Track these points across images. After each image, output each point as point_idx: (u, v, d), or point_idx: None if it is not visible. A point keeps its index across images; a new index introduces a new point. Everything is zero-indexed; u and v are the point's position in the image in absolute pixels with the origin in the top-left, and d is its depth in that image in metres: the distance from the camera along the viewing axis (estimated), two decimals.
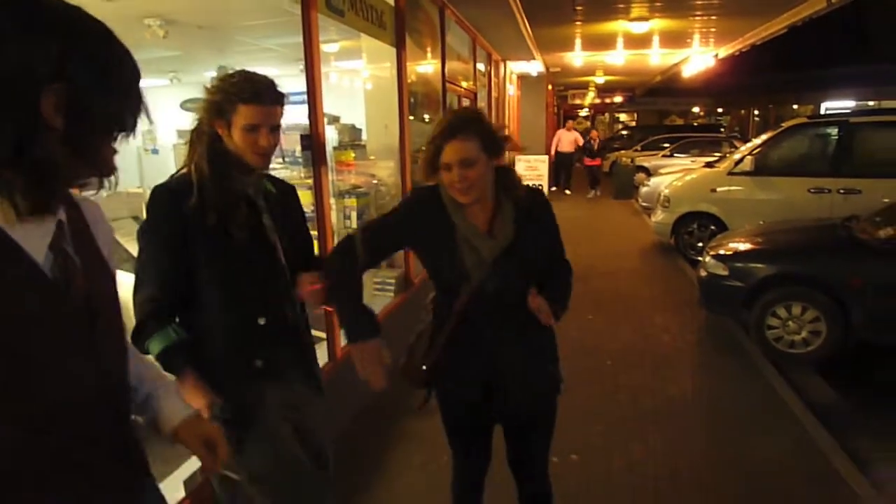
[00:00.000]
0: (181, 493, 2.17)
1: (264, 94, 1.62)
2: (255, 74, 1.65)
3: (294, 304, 1.80)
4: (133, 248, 3.37)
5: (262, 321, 1.69)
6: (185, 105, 8.50)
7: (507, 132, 1.74)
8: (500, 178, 1.73)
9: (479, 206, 1.70)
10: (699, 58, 11.78)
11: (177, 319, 1.65)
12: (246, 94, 1.59)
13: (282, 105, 1.68)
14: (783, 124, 7.55)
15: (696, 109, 32.18)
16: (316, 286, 1.71)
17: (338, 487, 2.50)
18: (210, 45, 5.99)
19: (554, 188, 13.60)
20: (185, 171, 1.68)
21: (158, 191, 1.66)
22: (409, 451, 3.15)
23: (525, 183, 1.80)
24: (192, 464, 2.24)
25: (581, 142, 13.94)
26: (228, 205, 1.63)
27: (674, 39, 10.22)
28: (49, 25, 0.82)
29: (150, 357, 1.55)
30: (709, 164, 8.37)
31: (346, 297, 1.73)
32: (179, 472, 2.26)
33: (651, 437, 3.26)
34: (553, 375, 1.88)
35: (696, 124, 25.05)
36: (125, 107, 0.90)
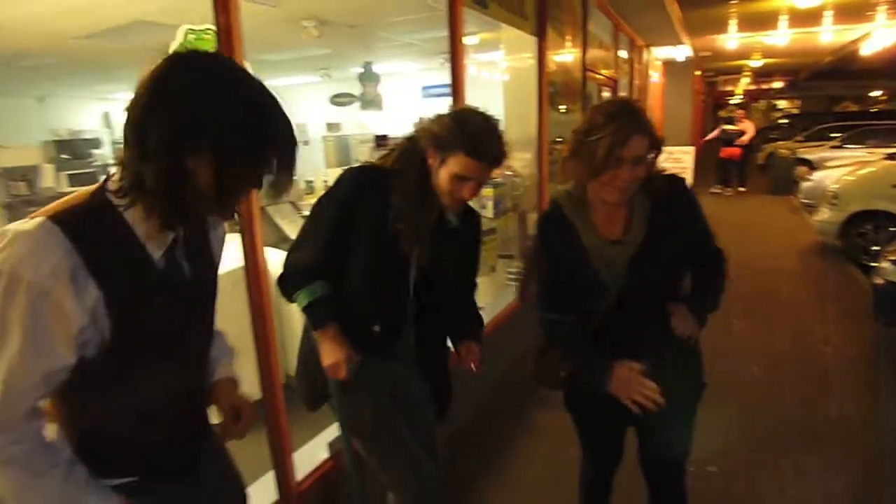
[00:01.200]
0: (325, 454, 2.36)
1: (488, 153, 1.61)
2: (489, 129, 1.63)
3: (410, 325, 1.85)
4: (288, 230, 3.68)
5: (377, 328, 1.77)
6: (334, 100, 9.12)
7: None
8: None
9: (610, 209, 1.61)
10: (884, 32, 10.26)
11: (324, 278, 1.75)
12: (472, 149, 1.58)
13: (500, 166, 1.67)
14: None
15: (876, 93, 28.18)
16: (475, 362, 1.84)
17: (462, 470, 2.55)
18: (357, 43, 6.34)
19: (718, 188, 12.06)
20: (382, 163, 1.75)
21: (352, 174, 1.73)
22: (537, 440, 3.14)
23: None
24: (335, 428, 2.41)
25: (752, 133, 11.97)
26: (414, 237, 1.68)
27: (852, 13, 9.00)
28: (221, 84, 0.98)
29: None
30: (891, 156, 7.30)
31: (575, 355, 1.73)
32: (324, 434, 2.45)
33: (802, 459, 2.95)
34: (695, 378, 1.78)
35: (875, 110, 21.95)
36: (274, 169, 1.03)
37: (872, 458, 2.97)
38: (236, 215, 1.22)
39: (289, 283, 1.73)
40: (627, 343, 1.65)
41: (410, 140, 1.71)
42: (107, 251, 0.98)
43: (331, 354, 1.71)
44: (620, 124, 1.47)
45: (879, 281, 4.27)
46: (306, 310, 1.71)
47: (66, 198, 1.02)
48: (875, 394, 3.70)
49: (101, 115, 9.69)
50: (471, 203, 1.82)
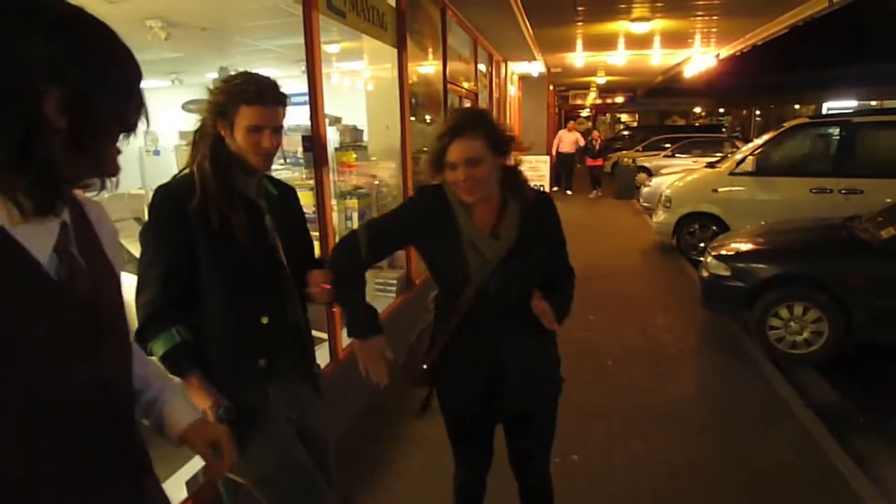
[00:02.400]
0: (184, 494, 2.18)
1: (267, 95, 1.62)
2: (257, 75, 1.65)
3: (295, 304, 1.80)
4: (135, 250, 3.38)
5: (265, 320, 1.69)
6: (186, 106, 8.52)
7: (512, 132, 1.74)
8: (508, 178, 1.72)
9: (484, 205, 1.69)
10: (701, 58, 11.77)
11: (180, 320, 1.65)
12: (248, 94, 1.59)
13: (284, 106, 1.68)
14: (785, 124, 7.55)
15: (697, 109, 32.16)
16: (326, 285, 1.72)
17: (339, 488, 2.50)
18: (212, 47, 6.00)
19: (556, 189, 13.60)
20: (187, 171, 1.68)
21: (161, 191, 1.66)
22: (411, 452, 3.15)
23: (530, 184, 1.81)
24: (195, 464, 2.24)
25: (582, 142, 13.97)
26: (231, 206, 1.63)
27: (675, 40, 10.22)
28: (51, 26, 0.81)
29: (154, 359, 1.56)
30: (710, 165, 8.36)
31: (350, 294, 1.75)
32: (182, 472, 2.27)
33: (652, 437, 3.26)
34: (554, 375, 1.89)
35: (697, 124, 25.05)
36: (128, 106, 0.90)
37: (708, 429, 3.37)
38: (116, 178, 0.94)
39: (146, 334, 1.60)
40: (483, 341, 1.73)
41: (197, 131, 1.70)
42: None
43: (198, 403, 1.61)
44: (446, 130, 1.62)
45: (705, 274, 4.87)
46: (164, 359, 1.60)
47: None
48: (708, 373, 4.21)
49: None
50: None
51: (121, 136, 0.92)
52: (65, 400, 0.89)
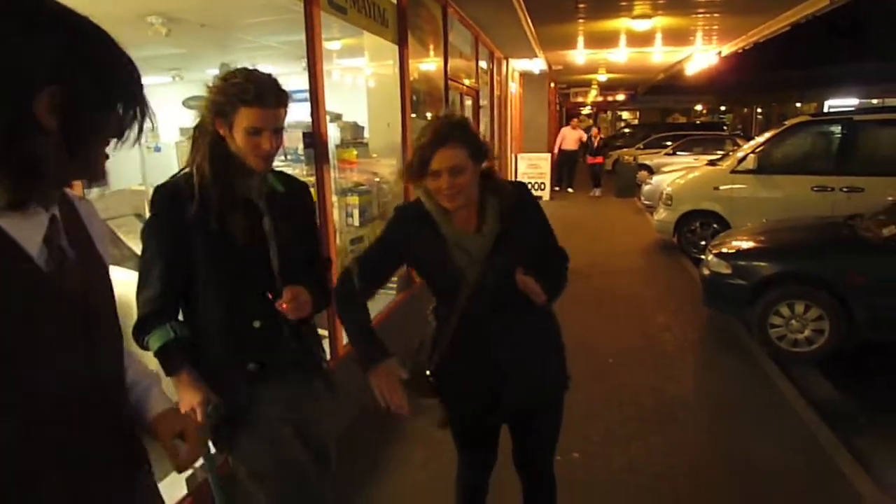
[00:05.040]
0: (184, 491, 2.18)
1: (267, 96, 1.58)
2: (258, 74, 1.61)
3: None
4: (136, 246, 3.37)
5: (256, 324, 1.69)
6: (187, 103, 8.48)
7: (486, 140, 1.74)
8: (485, 180, 1.73)
9: (465, 210, 1.71)
10: (702, 56, 11.74)
11: (178, 318, 1.66)
12: (248, 95, 1.55)
13: (285, 106, 1.65)
14: (786, 122, 7.53)
15: (698, 107, 32.11)
16: (286, 305, 1.64)
17: (340, 486, 2.50)
18: (212, 43, 5.98)
19: (557, 187, 13.57)
20: (187, 170, 1.67)
21: (161, 190, 1.65)
22: (412, 449, 3.15)
23: (511, 179, 1.80)
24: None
25: (585, 138, 13.91)
26: (228, 208, 1.61)
27: (676, 37, 10.18)
28: (49, 27, 0.82)
29: (149, 355, 1.55)
30: (711, 163, 8.35)
31: (355, 329, 1.76)
32: None
33: (652, 436, 3.26)
34: (559, 369, 1.89)
35: (698, 122, 25.00)
36: (122, 113, 0.90)
37: (709, 428, 3.37)
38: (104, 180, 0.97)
39: (143, 329, 1.62)
40: (485, 340, 1.72)
41: (197, 128, 1.67)
42: None
43: (186, 400, 1.62)
44: (428, 140, 1.60)
45: (706, 272, 4.86)
46: (157, 354, 1.61)
47: None
48: (709, 371, 4.20)
49: None
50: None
51: (114, 143, 0.92)
52: (56, 389, 0.91)
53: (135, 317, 1.64)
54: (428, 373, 1.80)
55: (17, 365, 0.85)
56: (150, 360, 1.61)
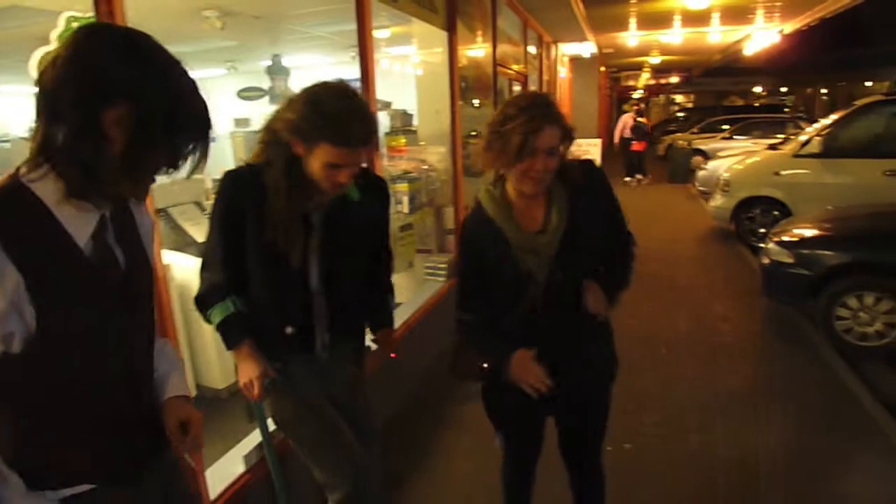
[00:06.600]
0: (241, 468, 2.25)
1: (354, 139, 1.52)
2: (348, 106, 1.52)
3: (322, 318, 1.78)
4: (194, 232, 3.50)
5: (289, 330, 1.74)
6: (241, 94, 8.74)
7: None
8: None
9: (530, 201, 1.65)
10: (763, 34, 11.18)
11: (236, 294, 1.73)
12: (336, 137, 1.49)
13: (371, 144, 1.59)
14: (856, 102, 7.09)
15: (757, 89, 30.67)
16: (392, 353, 1.85)
17: (389, 469, 2.53)
18: (265, 35, 6.10)
19: (627, 178, 12.91)
20: (256, 161, 1.67)
21: (228, 177, 1.68)
22: (458, 436, 3.16)
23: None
24: (252, 439, 2.31)
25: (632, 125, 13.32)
26: (287, 224, 1.62)
27: (735, 15, 9.73)
28: (134, 56, 0.95)
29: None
30: (772, 147, 7.96)
31: (490, 351, 1.77)
32: (239, 447, 2.34)
33: (709, 429, 3.16)
34: (609, 358, 1.86)
35: (757, 105, 23.87)
36: (182, 146, 1.02)
37: (770, 423, 3.24)
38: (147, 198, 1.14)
39: (205, 303, 1.71)
40: (540, 330, 1.69)
41: (269, 132, 1.62)
42: (23, 232, 0.94)
43: (245, 373, 1.69)
44: (532, 115, 1.50)
45: (766, 261, 4.66)
46: (218, 328, 1.70)
47: None
48: (770, 364, 4.04)
49: None
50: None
51: (166, 170, 1.04)
52: (94, 366, 1.05)
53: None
54: (482, 365, 1.80)
55: (57, 343, 0.98)
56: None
